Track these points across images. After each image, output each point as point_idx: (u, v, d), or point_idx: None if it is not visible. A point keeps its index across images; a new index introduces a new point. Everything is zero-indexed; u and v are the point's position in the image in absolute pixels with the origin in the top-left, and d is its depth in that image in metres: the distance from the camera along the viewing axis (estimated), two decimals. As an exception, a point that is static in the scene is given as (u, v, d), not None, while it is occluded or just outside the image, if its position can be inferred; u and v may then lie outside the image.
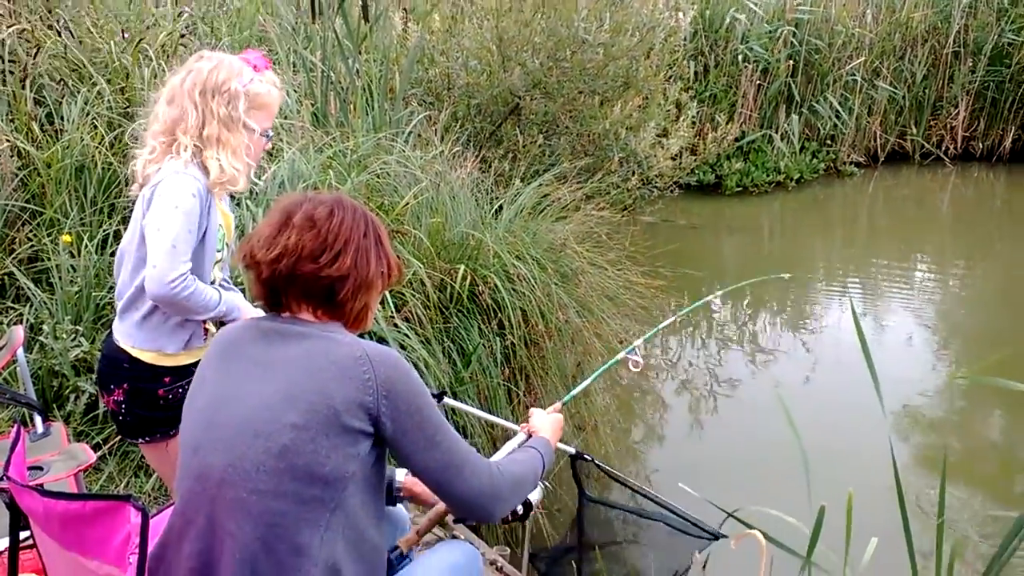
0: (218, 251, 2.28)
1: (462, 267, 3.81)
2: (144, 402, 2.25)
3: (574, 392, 2.69)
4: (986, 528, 3.70)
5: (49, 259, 3.73)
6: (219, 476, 1.48)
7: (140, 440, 2.31)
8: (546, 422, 2.02)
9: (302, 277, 1.56)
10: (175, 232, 2.10)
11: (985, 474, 4.08)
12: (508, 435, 2.75)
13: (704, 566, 2.74)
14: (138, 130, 4.30)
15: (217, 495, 1.47)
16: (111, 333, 2.30)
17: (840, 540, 1.93)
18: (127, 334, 2.23)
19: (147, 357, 2.22)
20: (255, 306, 2.34)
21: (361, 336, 1.66)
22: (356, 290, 1.60)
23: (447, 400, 2.45)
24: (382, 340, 3.38)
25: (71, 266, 3.68)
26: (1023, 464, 4.34)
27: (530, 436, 2.01)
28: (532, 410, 2.09)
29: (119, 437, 3.19)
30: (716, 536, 3.12)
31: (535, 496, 1.87)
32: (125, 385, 2.24)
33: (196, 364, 2.23)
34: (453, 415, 3.52)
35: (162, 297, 2.11)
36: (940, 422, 4.83)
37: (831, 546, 2.02)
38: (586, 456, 3.18)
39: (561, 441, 2.15)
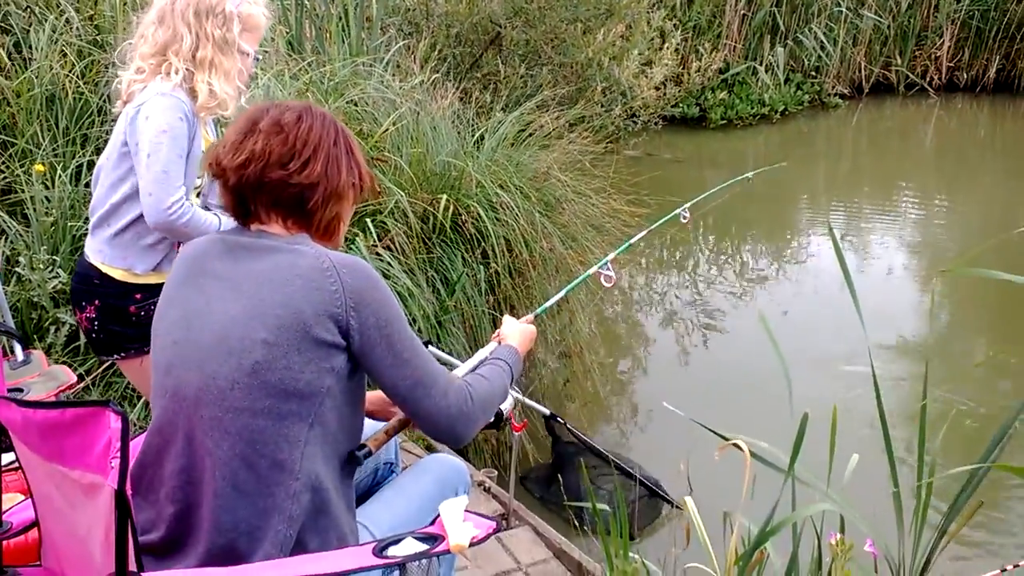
0: (199, 177, 2.24)
1: (444, 196, 3.77)
2: (116, 318, 2.24)
3: (547, 304, 2.68)
4: (968, 443, 3.76)
5: (23, 190, 3.65)
6: (194, 395, 1.46)
7: (115, 356, 2.31)
8: (516, 330, 1.96)
9: (270, 184, 1.51)
10: (165, 158, 2.08)
11: (966, 388, 4.14)
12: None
13: (688, 480, 2.78)
14: (113, 56, 4.20)
15: (193, 414, 1.46)
16: (83, 250, 2.27)
17: (825, 460, 1.94)
18: (97, 250, 2.21)
19: (117, 274, 2.20)
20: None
21: None
22: (327, 199, 1.55)
23: (431, 349, 2.43)
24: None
25: (45, 197, 3.61)
26: (1004, 376, 4.40)
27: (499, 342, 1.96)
28: (504, 317, 2.04)
29: (102, 367, 3.18)
30: (671, 503, 3.29)
31: (506, 406, 1.86)
32: (96, 302, 2.22)
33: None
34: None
35: (161, 224, 2.10)
36: (923, 341, 4.88)
37: (816, 465, 2.04)
38: (559, 419, 3.33)
39: (536, 363, 2.15)
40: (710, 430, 2.44)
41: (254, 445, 1.44)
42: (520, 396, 3.27)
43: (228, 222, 2.23)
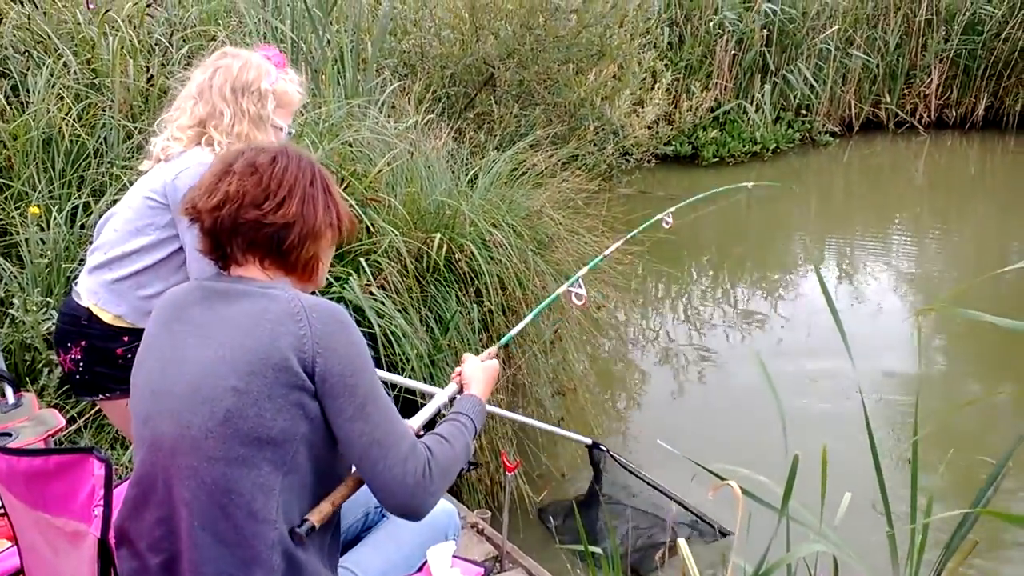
0: None
1: (438, 235, 3.79)
2: (102, 360, 2.25)
3: (511, 333, 2.70)
4: (960, 478, 3.75)
5: (18, 232, 3.66)
6: (171, 445, 1.44)
7: (99, 397, 2.31)
8: (478, 373, 1.90)
9: (245, 224, 1.50)
10: None
11: (959, 427, 4.13)
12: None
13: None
14: (109, 98, 4.24)
15: (171, 464, 1.44)
16: (71, 291, 2.29)
17: (818, 497, 1.94)
18: (92, 291, 2.23)
19: (107, 317, 2.22)
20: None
21: (336, 302, 1.61)
22: (303, 239, 1.54)
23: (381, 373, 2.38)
24: (358, 309, 3.36)
25: (40, 239, 3.62)
26: (996, 412, 4.38)
27: (461, 389, 1.91)
28: (465, 355, 1.98)
29: (94, 410, 3.17)
30: (724, 533, 3.19)
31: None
32: (83, 343, 2.24)
33: None
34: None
35: None
36: (914, 377, 4.88)
37: (810, 503, 2.03)
38: (602, 447, 3.28)
39: (531, 400, 2.12)
40: (704, 468, 2.43)
41: (229, 495, 1.41)
42: (557, 429, 3.26)
43: None
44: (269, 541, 1.43)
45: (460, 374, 1.94)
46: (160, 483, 1.46)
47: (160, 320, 1.57)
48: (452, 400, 1.96)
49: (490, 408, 2.72)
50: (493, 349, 2.16)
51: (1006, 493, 3.71)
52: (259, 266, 1.55)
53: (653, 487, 3.29)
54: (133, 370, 1.57)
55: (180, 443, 1.43)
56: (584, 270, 3.05)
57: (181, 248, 2.22)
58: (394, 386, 3.39)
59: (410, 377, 3.32)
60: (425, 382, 3.42)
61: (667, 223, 3.53)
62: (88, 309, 2.22)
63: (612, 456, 3.33)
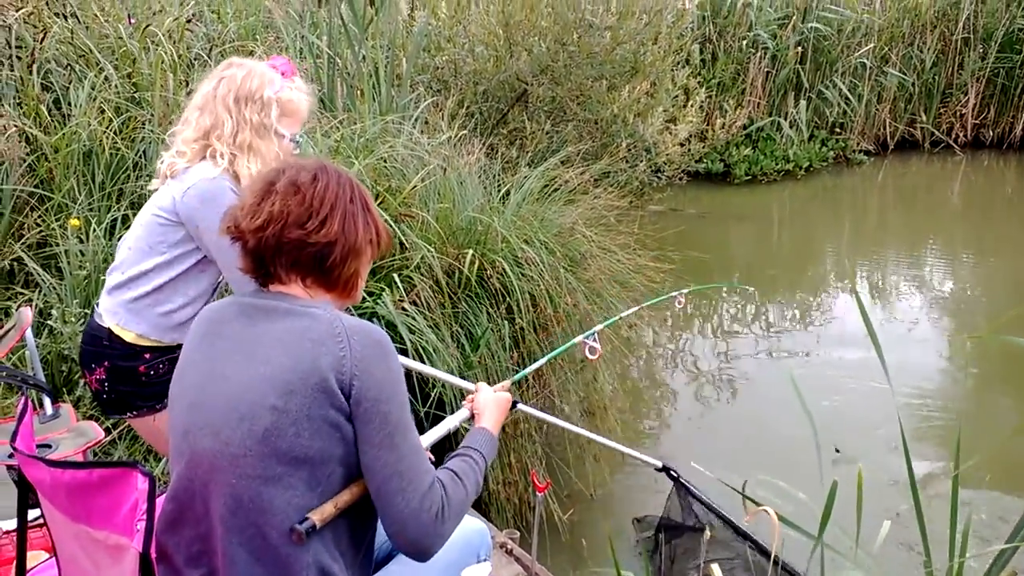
0: None
1: (470, 251, 3.79)
2: (125, 379, 2.27)
3: (524, 372, 2.71)
4: (1000, 508, 3.68)
5: (58, 244, 3.72)
6: (209, 461, 1.45)
7: (127, 415, 2.33)
8: (491, 404, 1.90)
9: (289, 244, 1.51)
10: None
11: (998, 455, 4.05)
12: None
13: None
14: (149, 112, 4.31)
15: (209, 480, 1.45)
16: (93, 312, 2.31)
17: (853, 521, 1.91)
18: (112, 311, 2.25)
19: (128, 336, 2.24)
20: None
21: (368, 320, 1.62)
22: (345, 256, 1.55)
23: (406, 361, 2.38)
24: (390, 324, 3.37)
25: (79, 251, 3.67)
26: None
27: (473, 416, 1.92)
28: (479, 385, 1.99)
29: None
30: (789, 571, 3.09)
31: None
32: (106, 363, 2.26)
33: (177, 345, 2.28)
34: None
35: None
36: (952, 405, 4.80)
37: (845, 525, 2.00)
38: (672, 472, 3.22)
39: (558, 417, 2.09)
40: (740, 493, 2.40)
41: (265, 514, 1.42)
42: (627, 450, 3.22)
43: None
44: (304, 561, 1.43)
45: (472, 401, 1.95)
46: (198, 498, 1.46)
47: (200, 334, 1.58)
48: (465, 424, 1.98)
49: (554, 420, 2.71)
50: (507, 383, 2.16)
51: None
52: (301, 284, 1.57)
53: (719, 516, 3.20)
54: (172, 382, 1.58)
55: (219, 459, 1.44)
56: (600, 327, 3.08)
57: (196, 263, 2.23)
58: (424, 400, 3.40)
59: (441, 395, 3.33)
60: (455, 399, 3.43)
61: (679, 303, 3.56)
62: (109, 329, 2.24)
63: (683, 482, 3.23)
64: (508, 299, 3.84)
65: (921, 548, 1.91)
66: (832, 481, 1.86)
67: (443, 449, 2.26)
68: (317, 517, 1.43)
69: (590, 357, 2.99)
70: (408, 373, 2.43)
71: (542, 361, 2.82)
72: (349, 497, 1.49)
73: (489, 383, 3.70)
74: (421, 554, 1.50)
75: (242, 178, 2.20)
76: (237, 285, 2.16)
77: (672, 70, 7.05)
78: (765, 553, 3.13)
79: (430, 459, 1.84)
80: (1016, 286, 6.83)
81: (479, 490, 1.66)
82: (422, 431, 1.99)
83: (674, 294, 3.53)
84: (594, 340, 2.90)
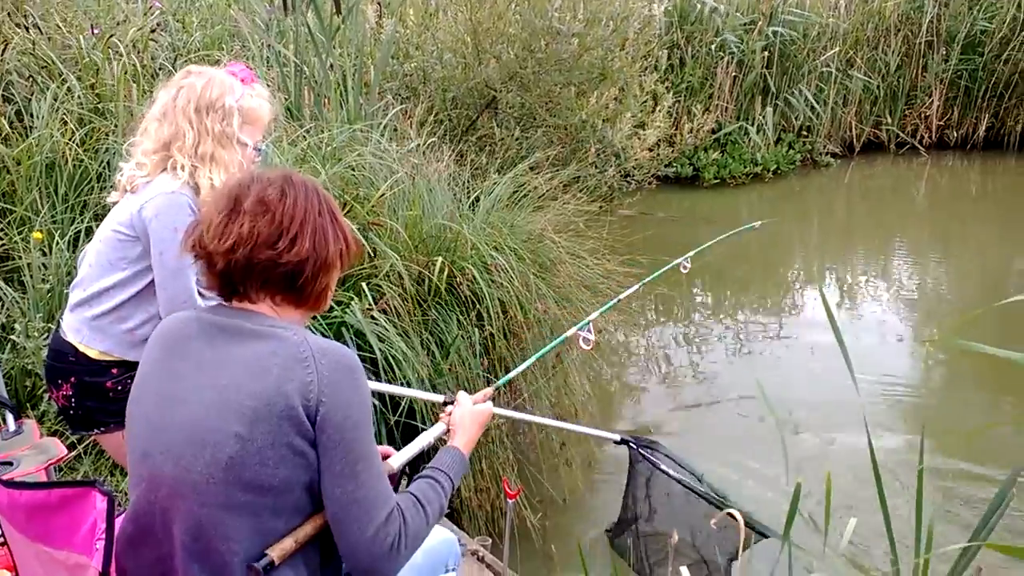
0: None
1: (440, 259, 3.79)
2: (92, 395, 2.24)
3: (510, 375, 2.70)
4: (966, 498, 3.74)
5: (20, 257, 3.67)
6: (169, 487, 1.42)
7: (94, 432, 2.31)
8: (467, 420, 1.86)
9: (260, 265, 1.48)
10: (177, 254, 2.12)
11: (963, 447, 4.11)
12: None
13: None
14: (113, 123, 4.27)
15: (169, 506, 1.42)
16: (58, 327, 2.28)
17: (830, 518, 1.93)
18: (75, 329, 2.22)
19: (92, 353, 2.22)
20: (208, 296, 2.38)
21: (337, 329, 1.61)
22: (316, 273, 1.52)
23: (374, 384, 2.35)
24: (359, 333, 3.36)
25: (42, 264, 3.63)
26: (999, 437, 4.36)
27: (448, 430, 1.88)
28: (459, 395, 1.95)
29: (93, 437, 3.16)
30: (765, 535, 3.07)
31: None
32: (72, 379, 2.23)
33: None
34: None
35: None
36: (919, 403, 4.87)
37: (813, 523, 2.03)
38: (631, 443, 3.15)
39: (533, 426, 2.09)
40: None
41: (228, 541, 1.40)
42: (583, 428, 3.16)
43: None
44: None
45: (450, 415, 1.91)
46: (158, 521, 1.44)
47: (157, 353, 1.54)
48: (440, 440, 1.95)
49: (507, 412, 2.67)
50: (489, 390, 2.12)
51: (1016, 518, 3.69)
52: (271, 302, 1.54)
53: (681, 484, 3.15)
54: (129, 402, 1.55)
55: (180, 486, 1.41)
56: (595, 314, 3.06)
57: None
58: (395, 409, 3.39)
59: (412, 404, 3.32)
60: (427, 407, 3.42)
61: (685, 268, 3.52)
62: (73, 346, 2.21)
63: (641, 453, 3.12)
64: (478, 306, 3.84)
65: (903, 537, 1.93)
66: (796, 483, 1.88)
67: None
68: (276, 554, 1.41)
69: (584, 347, 2.98)
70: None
71: (532, 360, 2.80)
72: (311, 530, 1.47)
73: (462, 390, 3.73)
74: None
75: (203, 189, 2.17)
76: (168, 303, 2.14)
77: (640, 75, 7.10)
78: (723, 510, 3.06)
79: (399, 473, 1.84)
80: (981, 283, 6.94)
81: (443, 513, 1.64)
82: (392, 442, 1.99)
83: (678, 260, 3.49)
84: (588, 331, 2.89)
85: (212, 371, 1.45)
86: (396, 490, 1.56)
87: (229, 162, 2.20)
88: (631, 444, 3.12)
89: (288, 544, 1.43)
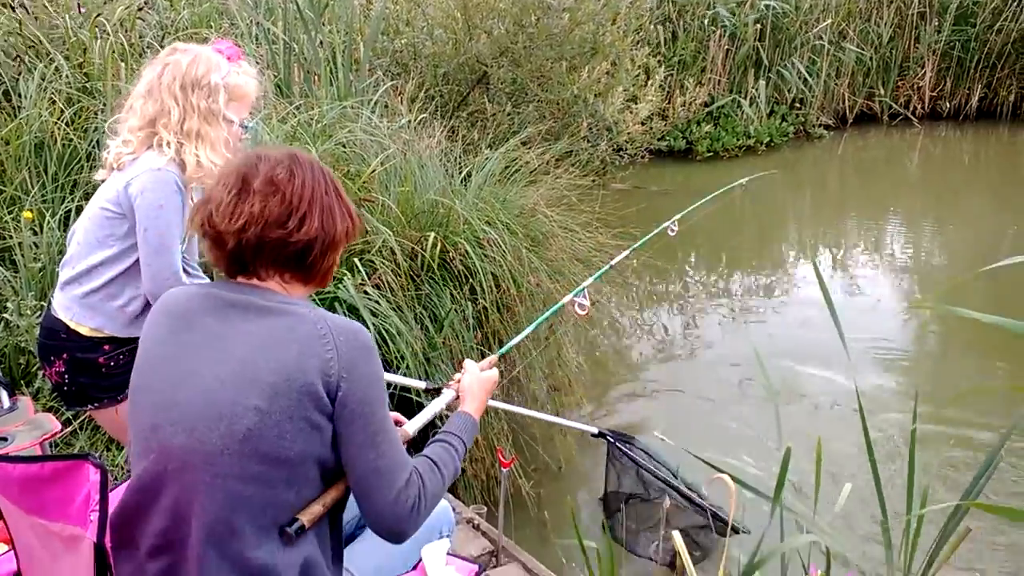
0: (180, 243, 2.27)
1: (432, 234, 3.79)
2: (85, 371, 2.26)
3: (512, 342, 2.71)
4: (959, 462, 3.77)
5: (11, 237, 3.67)
6: (181, 458, 1.43)
7: (88, 407, 2.32)
8: (475, 386, 1.93)
9: (270, 244, 1.50)
10: (164, 232, 2.14)
11: (955, 411, 4.15)
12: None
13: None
14: (101, 101, 4.24)
15: (180, 476, 1.43)
16: (49, 305, 2.28)
17: (824, 484, 1.95)
18: (66, 307, 2.23)
19: (83, 330, 2.23)
20: (193, 274, 2.41)
21: (330, 304, 1.62)
22: (325, 251, 1.55)
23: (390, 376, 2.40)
24: (352, 308, 3.37)
25: (34, 243, 3.63)
26: (992, 400, 4.40)
27: (458, 396, 1.94)
28: (466, 362, 1.99)
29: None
30: (737, 530, 3.11)
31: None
32: (64, 355, 2.24)
33: (137, 337, 2.27)
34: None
35: (157, 295, 2.13)
36: (911, 368, 4.90)
37: (808, 492, 2.05)
38: (609, 436, 3.21)
39: (527, 398, 2.13)
40: (701, 459, 2.44)
41: (240, 512, 1.42)
42: (561, 420, 3.22)
43: None
44: (275, 556, 1.44)
45: (459, 382, 1.96)
46: (166, 494, 1.45)
47: (164, 327, 1.54)
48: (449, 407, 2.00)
49: (492, 403, 2.71)
50: (494, 357, 2.16)
51: (1007, 480, 3.73)
52: (279, 279, 1.56)
53: (657, 478, 3.22)
54: (134, 375, 1.55)
55: (192, 457, 1.42)
56: (590, 280, 3.08)
57: None
58: (389, 384, 3.41)
59: (405, 374, 3.33)
60: (422, 379, 3.44)
61: (672, 231, 3.54)
62: (65, 323, 2.22)
63: (618, 446, 3.24)
64: (471, 280, 3.85)
65: (898, 503, 1.96)
66: (786, 446, 1.89)
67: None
68: (306, 518, 1.45)
69: (579, 314, 3.01)
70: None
71: (529, 329, 2.82)
72: (336, 494, 1.52)
73: (455, 364, 3.75)
74: (395, 540, 1.55)
75: (189, 166, 2.17)
76: (152, 280, 2.15)
77: (632, 49, 7.07)
78: (703, 509, 3.14)
79: (409, 439, 1.87)
80: (973, 251, 6.96)
81: (457, 474, 1.70)
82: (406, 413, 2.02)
83: (666, 224, 3.52)
84: (583, 297, 2.92)
85: (226, 345, 1.47)
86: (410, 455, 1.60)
87: (215, 139, 2.20)
88: (608, 438, 3.20)
89: (317, 509, 1.47)
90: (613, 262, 3.40)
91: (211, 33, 5.02)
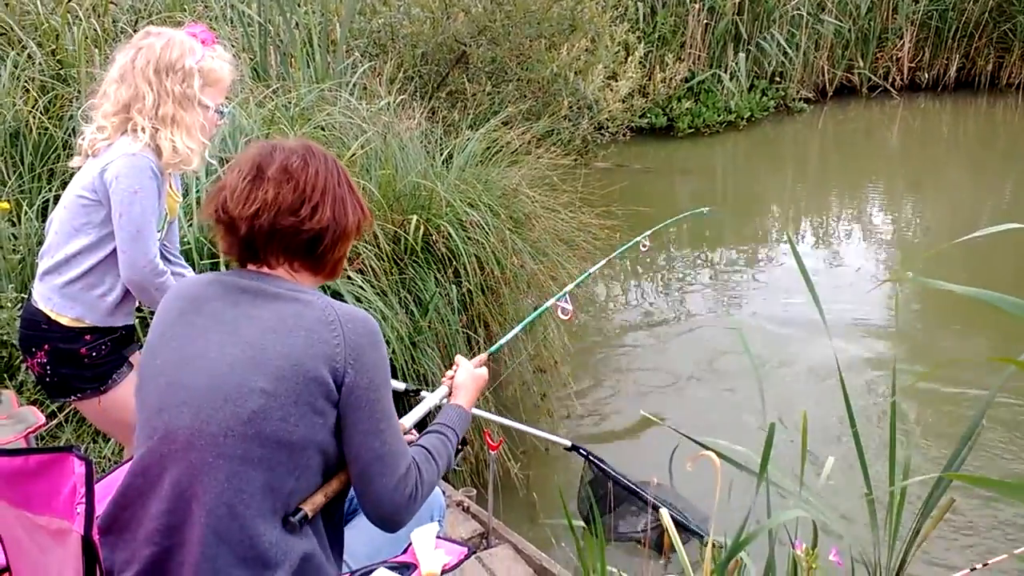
0: (158, 230, 2.25)
1: (415, 217, 3.78)
2: (67, 361, 2.24)
3: (501, 342, 2.73)
4: (938, 438, 3.82)
5: (-12, 229, 3.62)
6: (185, 439, 1.44)
7: (71, 398, 2.31)
8: (468, 382, 1.96)
9: (282, 231, 1.51)
10: (139, 218, 2.12)
11: (937, 389, 4.19)
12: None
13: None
14: (76, 88, 4.19)
15: (183, 458, 1.44)
16: (30, 296, 2.27)
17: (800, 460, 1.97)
18: (45, 297, 2.21)
19: (64, 320, 2.21)
20: (174, 261, 2.40)
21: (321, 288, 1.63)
22: (336, 241, 1.57)
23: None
24: (336, 294, 3.35)
25: (12, 234, 3.58)
26: (972, 371, 4.45)
27: (450, 392, 1.98)
28: (458, 359, 2.03)
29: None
30: (701, 536, 3.11)
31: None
32: (46, 346, 2.22)
33: (117, 328, 2.25)
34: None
35: (134, 281, 2.16)
36: (892, 340, 4.95)
37: (793, 465, 2.06)
38: (581, 450, 3.22)
39: (513, 379, 2.14)
40: (687, 436, 2.46)
41: (241, 494, 1.43)
42: (537, 432, 3.24)
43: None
44: (274, 539, 1.44)
45: (452, 379, 1.99)
46: (168, 476, 1.45)
47: (175, 311, 1.56)
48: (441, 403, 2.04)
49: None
50: (483, 356, 2.19)
51: (988, 451, 3.78)
52: (289, 267, 1.57)
53: (632, 492, 3.24)
54: (143, 358, 1.57)
55: (196, 438, 1.43)
56: (571, 286, 3.12)
57: None
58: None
59: (391, 359, 3.32)
60: (407, 364, 3.45)
61: (645, 246, 3.58)
62: (45, 314, 2.20)
63: (591, 460, 3.23)
64: (455, 263, 3.84)
65: (881, 476, 1.98)
66: (771, 422, 1.91)
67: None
68: (309, 508, 1.47)
69: (563, 317, 3.03)
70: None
71: (516, 329, 2.86)
72: (337, 485, 1.53)
73: (440, 347, 3.75)
74: (391, 528, 1.57)
75: (164, 151, 2.15)
76: (128, 267, 2.14)
77: (611, 26, 7.03)
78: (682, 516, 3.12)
79: (406, 432, 1.89)
80: (953, 221, 7.02)
81: (450, 465, 1.73)
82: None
83: (639, 239, 3.56)
84: (566, 301, 2.94)
85: (235, 329, 1.49)
86: None
87: (191, 124, 2.18)
88: (581, 452, 3.21)
89: (319, 499, 1.49)
90: (593, 269, 3.50)
91: (185, 17, 4.95)
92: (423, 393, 2.28)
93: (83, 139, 2.20)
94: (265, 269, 1.57)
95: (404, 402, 3.22)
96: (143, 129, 2.13)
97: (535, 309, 4.13)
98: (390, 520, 1.55)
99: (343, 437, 1.50)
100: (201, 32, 2.22)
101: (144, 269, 2.14)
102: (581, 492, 3.34)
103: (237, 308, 1.51)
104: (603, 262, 3.53)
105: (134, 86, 2.14)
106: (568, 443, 3.21)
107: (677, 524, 3.09)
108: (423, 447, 1.67)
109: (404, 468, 1.54)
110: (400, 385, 2.41)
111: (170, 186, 2.29)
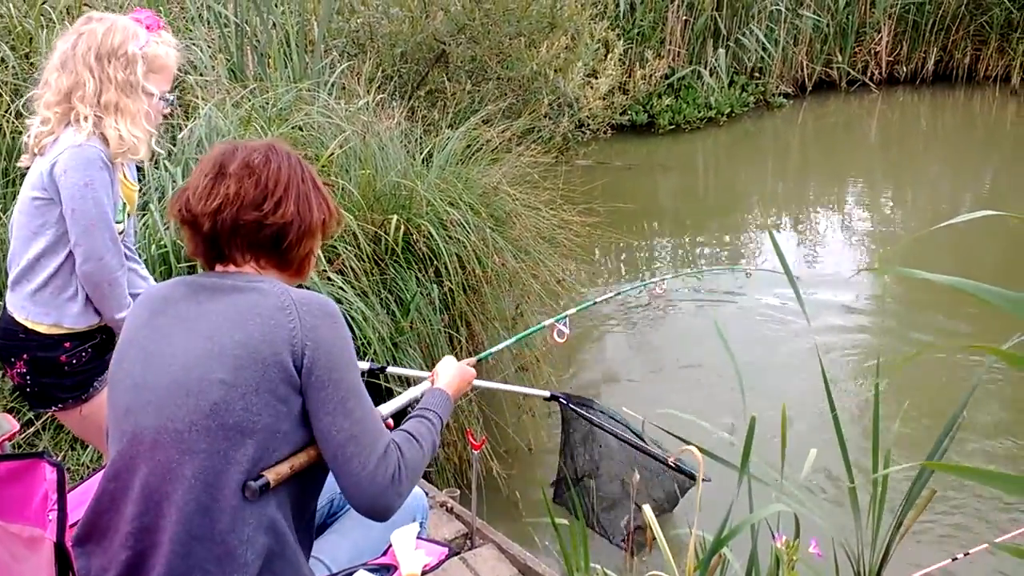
0: (118, 222, 2.21)
1: (395, 217, 3.76)
2: (47, 371, 2.20)
3: (492, 350, 2.72)
4: (924, 428, 3.83)
5: (-39, 235, 3.57)
6: (151, 438, 1.44)
7: (52, 408, 2.26)
8: (451, 370, 1.94)
9: (245, 226, 1.52)
10: (92, 211, 2.07)
11: (920, 379, 4.21)
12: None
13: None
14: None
15: (151, 458, 1.44)
16: (5, 306, 2.23)
17: (789, 453, 1.97)
18: (20, 306, 2.17)
19: (41, 328, 2.16)
20: (133, 258, 2.38)
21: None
22: (300, 237, 1.57)
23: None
24: (317, 295, 3.33)
25: (-14, 241, 3.54)
26: (954, 361, 4.48)
27: (432, 382, 1.95)
28: (446, 357, 2.01)
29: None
30: (692, 476, 3.10)
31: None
32: (25, 356, 2.18)
33: (97, 330, 2.21)
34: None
35: (87, 274, 2.12)
36: (874, 331, 4.97)
37: (775, 461, 2.06)
38: (561, 398, 3.20)
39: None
40: (669, 432, 2.45)
41: (209, 489, 1.42)
42: (513, 387, 3.21)
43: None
44: (244, 536, 1.43)
45: (435, 373, 1.98)
46: (138, 478, 1.45)
47: (142, 315, 1.57)
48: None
49: None
50: (473, 360, 2.20)
51: (972, 439, 3.80)
52: (255, 264, 1.57)
53: (616, 436, 3.18)
54: (112, 363, 1.57)
55: (161, 435, 1.43)
56: (572, 311, 3.12)
57: None
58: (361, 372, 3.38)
59: (372, 359, 3.31)
60: (390, 364, 3.43)
61: (659, 291, 3.61)
62: (22, 324, 2.16)
63: (572, 407, 3.17)
64: (436, 262, 3.83)
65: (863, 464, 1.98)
66: (751, 415, 1.91)
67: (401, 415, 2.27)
68: (271, 476, 1.44)
69: (558, 340, 3.00)
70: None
71: (511, 341, 2.86)
72: (305, 459, 1.50)
73: (422, 347, 3.73)
74: (380, 515, 1.53)
75: (111, 140, 2.09)
76: (84, 261, 2.10)
77: (590, 23, 7.03)
78: (662, 462, 3.08)
79: (388, 425, 1.86)
80: (933, 213, 7.07)
81: (436, 449, 1.70)
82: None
83: (650, 282, 3.55)
84: (564, 324, 2.91)
85: (191, 325, 1.49)
86: None
87: (135, 112, 2.12)
88: (561, 400, 3.15)
89: (283, 469, 1.45)
90: (597, 300, 3.62)
91: (161, 17, 4.91)
92: (411, 385, 2.25)
93: (28, 136, 2.13)
94: (232, 267, 1.56)
95: (381, 392, 3.23)
96: (85, 118, 2.07)
97: (517, 309, 4.15)
98: (376, 508, 1.50)
99: (312, 423, 1.48)
100: (146, 17, 2.16)
101: (101, 263, 2.09)
102: (565, 453, 3.30)
103: (197, 305, 1.51)
104: (610, 295, 3.53)
105: (75, 73, 2.07)
106: (547, 393, 3.15)
107: (677, 469, 3.07)
108: (404, 431, 1.64)
109: (382, 448, 1.50)
110: (364, 364, 2.36)
111: (124, 175, 2.23)
